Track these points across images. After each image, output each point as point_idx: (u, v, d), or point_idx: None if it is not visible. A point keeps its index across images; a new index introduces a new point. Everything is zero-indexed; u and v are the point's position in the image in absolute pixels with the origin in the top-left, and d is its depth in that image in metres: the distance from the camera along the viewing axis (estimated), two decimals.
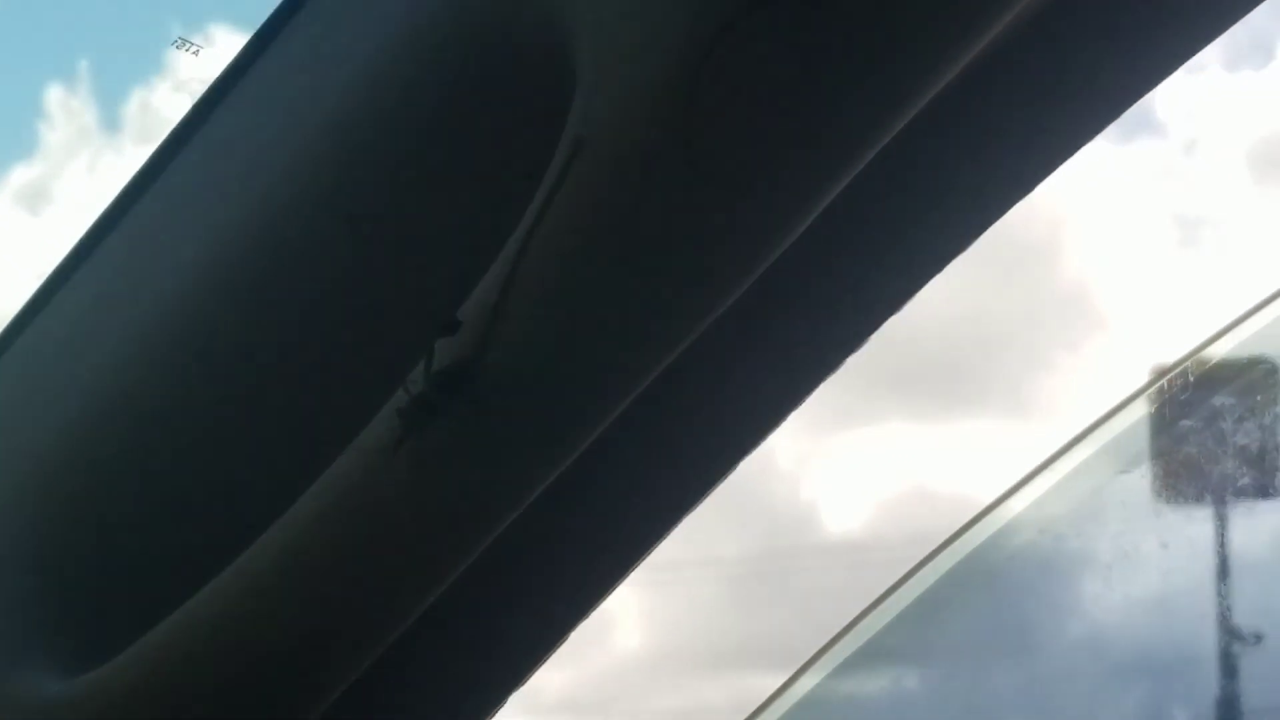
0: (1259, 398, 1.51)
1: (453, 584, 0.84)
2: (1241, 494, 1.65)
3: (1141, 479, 1.57)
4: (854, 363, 0.92)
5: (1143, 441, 1.55)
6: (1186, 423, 1.55)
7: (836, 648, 1.60)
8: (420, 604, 0.83)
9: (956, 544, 1.54)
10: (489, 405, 0.78)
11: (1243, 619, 1.72)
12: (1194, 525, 1.64)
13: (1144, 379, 1.46)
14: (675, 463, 0.91)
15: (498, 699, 0.95)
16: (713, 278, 0.78)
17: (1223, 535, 1.67)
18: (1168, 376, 1.44)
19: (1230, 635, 1.74)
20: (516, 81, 0.82)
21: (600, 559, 0.92)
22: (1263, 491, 1.63)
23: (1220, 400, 1.53)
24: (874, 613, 1.59)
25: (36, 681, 0.88)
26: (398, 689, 0.91)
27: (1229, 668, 1.75)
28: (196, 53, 0.92)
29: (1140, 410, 1.50)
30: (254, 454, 0.89)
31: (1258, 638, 1.73)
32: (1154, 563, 1.66)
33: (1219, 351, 1.44)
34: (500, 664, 0.95)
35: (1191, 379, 1.46)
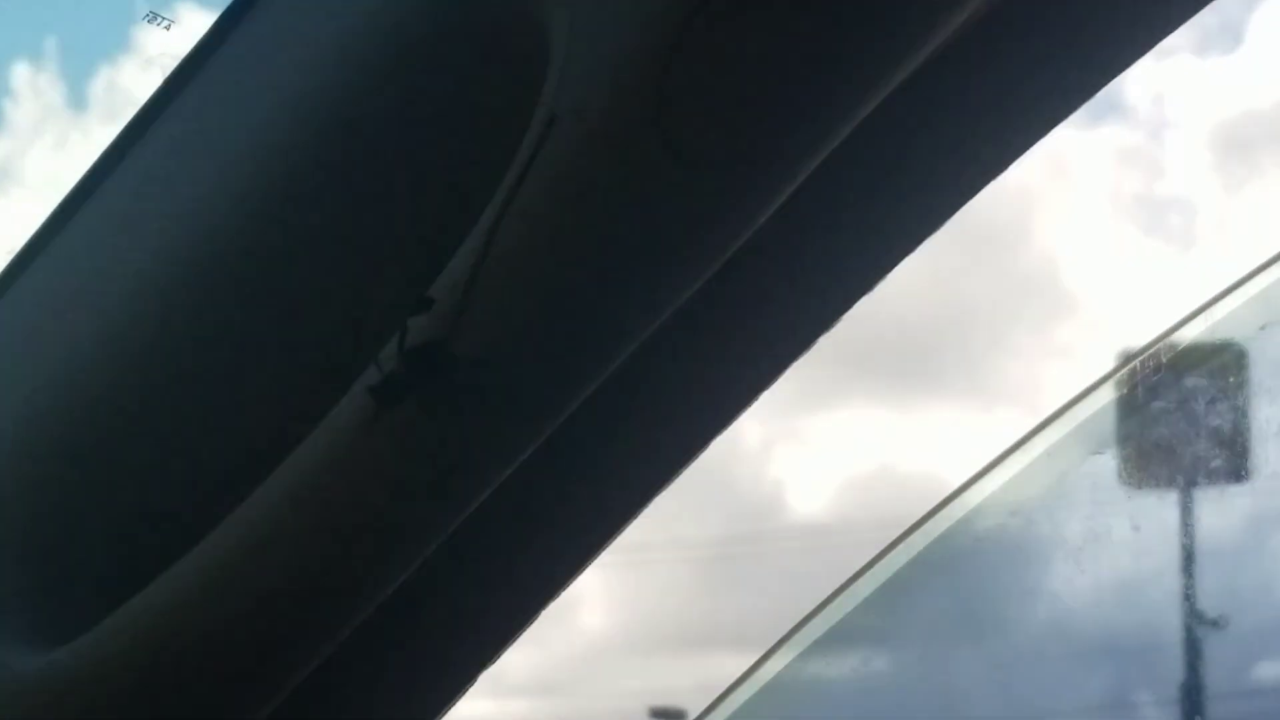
0: (1227, 381, 1.51)
1: (423, 562, 0.84)
2: (1207, 478, 1.65)
3: (1109, 462, 1.57)
4: (822, 345, 0.92)
5: (1111, 425, 1.55)
6: (1155, 406, 1.55)
7: (804, 631, 1.60)
8: (392, 580, 0.83)
9: (925, 527, 1.54)
10: (461, 382, 0.78)
11: (1207, 603, 1.73)
12: (1161, 508, 1.65)
13: (1112, 363, 1.47)
14: (647, 441, 0.91)
15: (468, 678, 0.95)
16: (685, 256, 0.78)
17: (1188, 519, 1.67)
18: (1137, 360, 1.44)
19: (1194, 619, 1.74)
20: (490, 58, 0.82)
21: (571, 538, 0.92)
22: (1228, 475, 1.63)
23: (1189, 384, 1.53)
24: (842, 596, 1.59)
25: (8, 655, 0.88)
26: (368, 666, 0.91)
27: (1193, 651, 1.76)
28: (168, 27, 0.92)
29: (1109, 394, 1.50)
30: (226, 431, 0.89)
31: (1221, 621, 1.74)
32: (1121, 546, 1.67)
33: (1188, 335, 1.45)
34: (470, 643, 0.95)
35: (1161, 363, 1.46)
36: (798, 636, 1.60)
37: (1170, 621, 1.74)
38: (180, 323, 0.88)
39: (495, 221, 0.77)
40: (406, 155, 0.85)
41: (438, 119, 0.85)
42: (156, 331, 0.89)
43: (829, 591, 1.56)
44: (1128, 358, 1.47)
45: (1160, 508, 1.66)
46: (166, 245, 0.89)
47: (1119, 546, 1.68)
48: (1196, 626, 1.73)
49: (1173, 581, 1.72)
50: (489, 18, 0.81)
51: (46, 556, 0.91)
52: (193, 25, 0.91)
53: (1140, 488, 1.62)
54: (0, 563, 0.91)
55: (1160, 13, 0.87)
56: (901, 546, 1.56)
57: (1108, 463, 1.58)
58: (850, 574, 1.56)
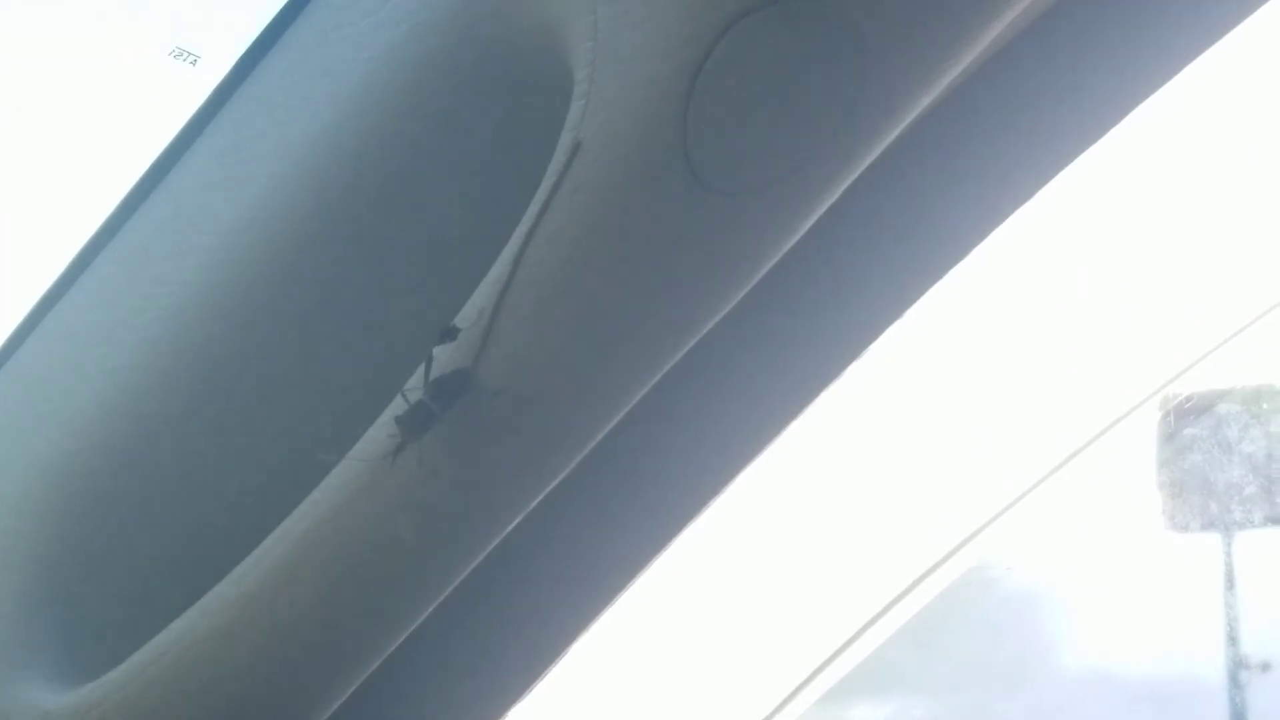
0: (1264, 418, 1.50)
1: (450, 594, 0.84)
2: (1249, 518, 1.64)
3: (1145, 501, 1.56)
4: None
5: (1146, 462, 1.54)
6: (1192, 431, 1.54)
7: (822, 676, 1.59)
8: (420, 612, 0.83)
9: (949, 565, 1.53)
10: (487, 412, 0.78)
11: (1250, 646, 1.71)
12: (1200, 550, 1.64)
13: (1144, 395, 1.46)
14: (676, 471, 0.91)
15: (495, 714, 0.95)
16: (711, 283, 0.78)
17: (1229, 561, 1.66)
18: (1168, 391, 1.44)
19: (1237, 663, 1.73)
20: (514, 86, 0.82)
21: (600, 569, 0.92)
22: (1271, 516, 1.61)
23: (1224, 422, 1.52)
24: (865, 637, 1.58)
25: (37, 692, 0.87)
26: (394, 700, 0.90)
27: (1236, 695, 1.75)
28: (194, 63, 0.92)
29: (1143, 429, 1.49)
30: (252, 464, 0.89)
31: (1265, 665, 1.73)
32: (1159, 587, 1.66)
33: (1222, 370, 1.44)
34: (497, 677, 0.95)
35: (1194, 398, 1.45)
36: (816, 682, 1.58)
37: (1211, 663, 1.72)
38: (208, 356, 0.89)
39: (521, 249, 0.77)
40: (431, 185, 0.85)
41: (462, 148, 0.85)
42: (183, 367, 0.89)
43: (855, 633, 1.55)
44: (1157, 390, 1.46)
45: (1196, 548, 1.65)
46: (194, 276, 0.89)
47: (1155, 587, 1.67)
48: (1239, 670, 1.72)
49: (1211, 623, 1.71)
50: (512, 47, 0.82)
51: (73, 595, 0.91)
52: (217, 61, 0.92)
53: (1176, 528, 1.61)
54: (28, 604, 0.91)
55: (1193, 29, 0.86)
56: (924, 586, 1.54)
57: (1141, 501, 1.57)
58: (873, 614, 1.55)
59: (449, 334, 0.79)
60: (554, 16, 0.78)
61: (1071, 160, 0.87)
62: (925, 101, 0.76)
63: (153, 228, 0.92)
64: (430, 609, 0.83)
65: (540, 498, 0.81)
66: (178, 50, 0.93)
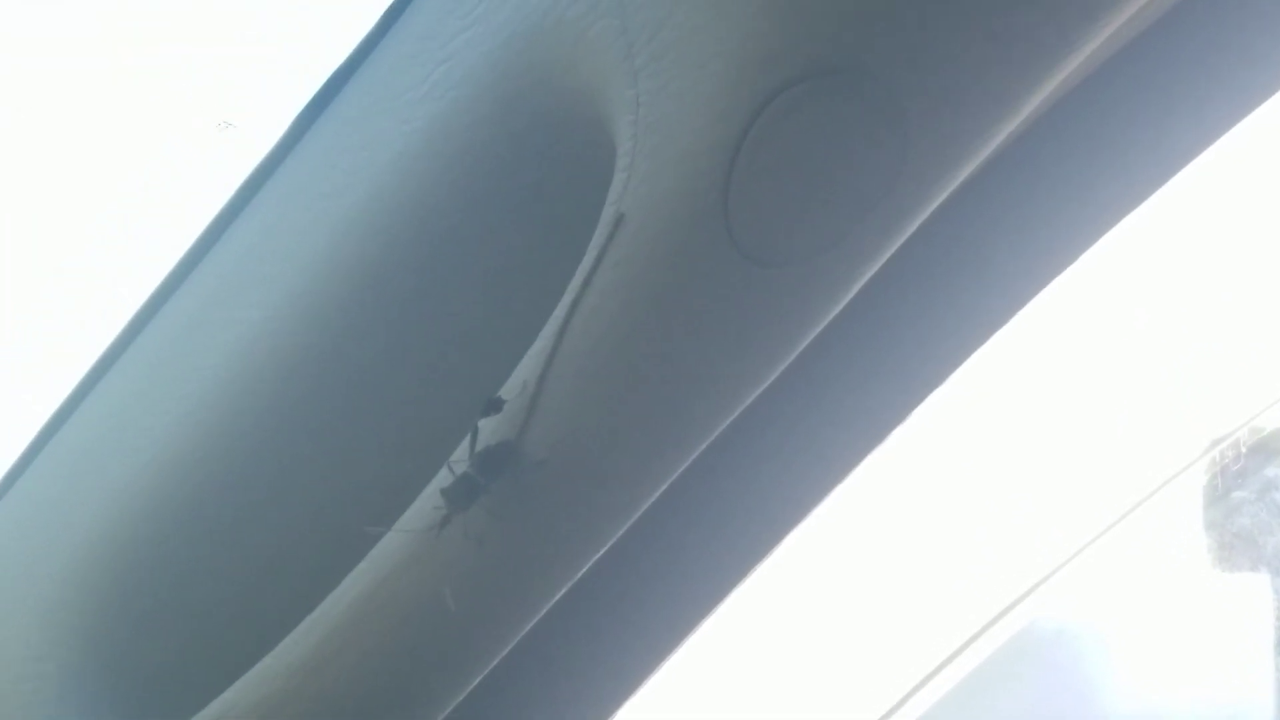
0: None
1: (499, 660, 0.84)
2: None
3: (1195, 550, 1.55)
4: None
5: (1196, 512, 1.53)
6: (1240, 494, 1.53)
7: None
8: (467, 682, 0.83)
9: (1008, 618, 1.53)
10: (532, 483, 0.78)
11: None
12: (1250, 597, 1.63)
13: (1197, 450, 1.45)
14: (720, 537, 0.91)
15: None
16: (754, 354, 0.78)
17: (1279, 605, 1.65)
18: (1220, 447, 1.43)
19: None
20: (556, 159, 0.83)
21: (642, 635, 0.92)
22: None
23: (1274, 471, 1.51)
24: (925, 689, 1.57)
25: None
26: None
27: None
28: (241, 134, 0.93)
29: (1193, 481, 1.48)
30: (299, 535, 0.89)
31: None
32: (1211, 635, 1.65)
33: (1274, 420, 1.43)
34: None
35: (1244, 449, 1.44)
36: None
37: (1263, 711, 1.71)
38: (250, 431, 0.89)
39: (564, 321, 0.77)
40: (474, 255, 0.86)
41: (504, 220, 0.85)
42: (225, 443, 0.90)
43: (914, 686, 1.54)
44: (1211, 445, 1.45)
45: (1247, 595, 1.64)
46: (236, 353, 0.89)
47: (1207, 636, 1.66)
48: None
49: (1263, 670, 1.70)
50: (555, 120, 0.82)
51: (122, 665, 0.91)
52: (263, 133, 0.92)
53: (1227, 573, 1.60)
54: (79, 674, 0.91)
55: (1222, 105, 0.86)
56: (983, 639, 1.54)
57: (1192, 551, 1.56)
58: (933, 668, 1.55)
59: (494, 406, 0.79)
60: (596, 90, 0.78)
61: (1113, 226, 0.86)
62: (966, 172, 0.76)
63: (199, 299, 0.92)
64: (477, 679, 0.83)
65: (585, 568, 0.81)
66: (224, 123, 0.94)
